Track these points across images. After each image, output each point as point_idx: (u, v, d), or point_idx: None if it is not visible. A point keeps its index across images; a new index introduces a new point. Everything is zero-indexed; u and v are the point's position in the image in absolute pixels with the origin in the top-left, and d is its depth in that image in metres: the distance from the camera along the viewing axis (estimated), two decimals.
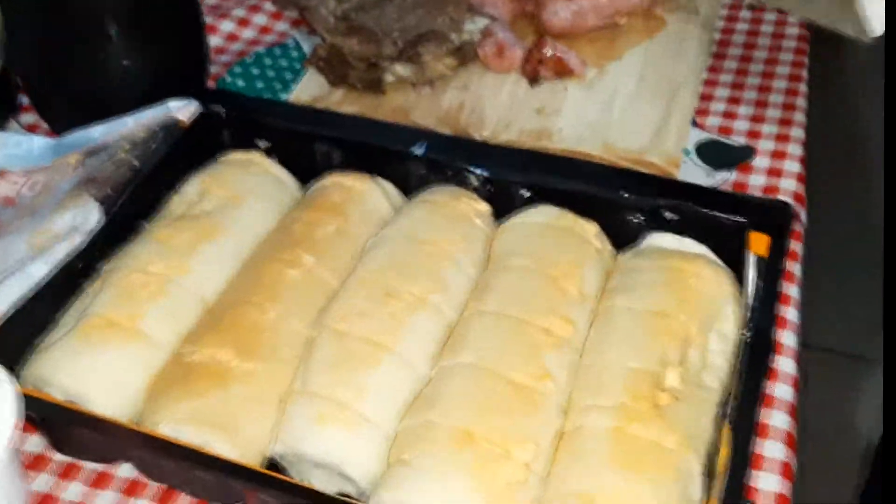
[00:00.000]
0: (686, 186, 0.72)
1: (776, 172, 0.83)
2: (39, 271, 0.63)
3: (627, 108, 0.86)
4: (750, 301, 0.61)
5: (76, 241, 0.66)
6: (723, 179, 0.82)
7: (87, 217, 0.68)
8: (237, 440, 0.56)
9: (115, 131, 0.81)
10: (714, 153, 0.85)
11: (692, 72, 0.90)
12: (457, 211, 0.70)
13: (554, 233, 0.67)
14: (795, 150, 0.85)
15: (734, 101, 0.90)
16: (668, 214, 0.68)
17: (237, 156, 0.76)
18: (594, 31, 0.92)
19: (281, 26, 1.03)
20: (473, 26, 0.90)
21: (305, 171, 0.77)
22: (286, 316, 0.63)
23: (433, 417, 0.56)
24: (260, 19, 1.03)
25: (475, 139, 0.81)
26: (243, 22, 1.02)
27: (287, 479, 0.55)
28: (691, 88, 0.88)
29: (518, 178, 0.71)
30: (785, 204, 0.66)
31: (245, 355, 0.59)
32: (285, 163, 0.77)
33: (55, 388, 0.59)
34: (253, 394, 0.58)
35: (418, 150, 0.74)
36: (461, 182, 0.73)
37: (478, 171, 0.72)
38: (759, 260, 0.62)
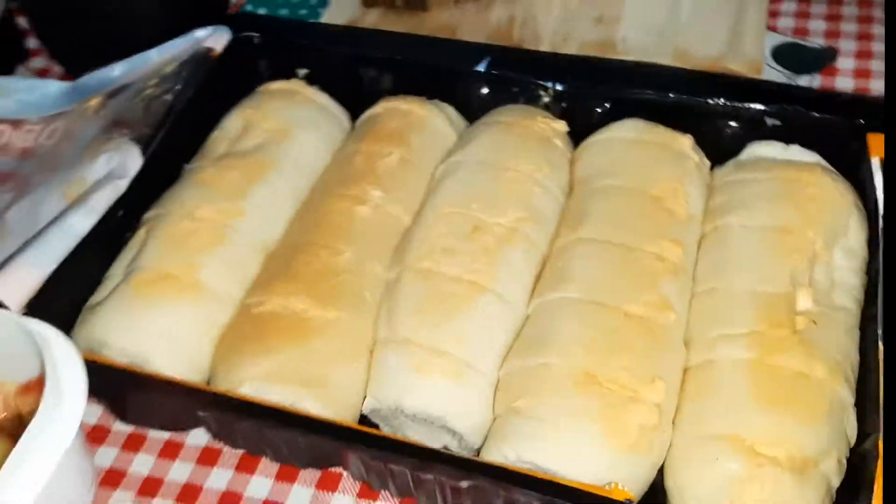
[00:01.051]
0: (789, 89, 0.65)
1: (864, 74, 0.76)
2: (82, 224, 0.56)
3: (694, 10, 0.78)
4: (881, 209, 0.54)
5: (118, 188, 0.59)
6: (806, 85, 0.75)
7: (125, 161, 0.60)
8: (328, 397, 0.50)
9: (137, 69, 0.73)
10: (793, 57, 0.78)
11: None
12: (533, 131, 0.62)
13: (647, 148, 0.60)
14: (881, 48, 0.78)
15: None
16: (769, 121, 0.61)
17: (278, 85, 0.68)
18: None
19: None
20: None
21: (351, 98, 0.69)
22: (362, 257, 0.56)
23: (546, 360, 0.49)
24: None
25: (538, 50, 0.73)
26: None
27: (399, 437, 0.49)
28: None
29: (595, 90, 0.64)
30: None
31: (323, 303, 0.53)
32: (329, 91, 0.69)
33: (112, 350, 0.52)
34: (338, 345, 0.52)
35: (481, 67, 0.66)
36: (530, 99, 0.66)
37: (550, 86, 0.65)
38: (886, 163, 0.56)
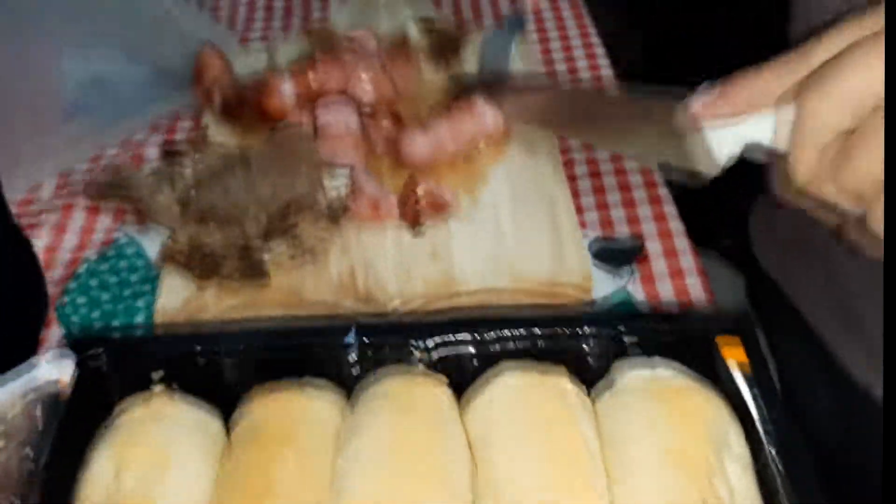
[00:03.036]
0: (641, 313, 0.71)
1: (672, 254, 0.84)
2: None
3: (516, 231, 0.84)
4: (755, 414, 0.60)
5: None
6: (628, 277, 0.83)
7: None
8: None
9: None
10: (607, 251, 0.85)
11: (557, 179, 0.90)
12: (421, 400, 0.63)
13: (531, 394, 0.63)
14: (676, 225, 0.87)
15: (599, 193, 0.92)
16: (627, 339, 0.66)
17: (138, 406, 0.64)
18: (452, 158, 0.90)
19: (103, 223, 0.91)
20: (334, 182, 0.84)
21: (216, 392, 0.67)
22: None
23: None
24: (77, 220, 0.90)
25: (402, 314, 0.76)
26: (59, 228, 0.89)
27: None
28: (564, 196, 0.88)
29: (461, 340, 0.67)
30: (742, 312, 0.66)
31: None
32: (190, 390, 0.67)
33: None
34: None
35: (350, 339, 0.67)
36: (401, 358, 0.68)
37: (419, 344, 0.67)
38: (742, 366, 0.62)
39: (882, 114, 0.48)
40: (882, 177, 0.49)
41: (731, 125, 0.57)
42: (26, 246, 0.76)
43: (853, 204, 0.53)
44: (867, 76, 0.49)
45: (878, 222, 0.51)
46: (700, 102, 0.58)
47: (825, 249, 0.89)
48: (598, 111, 0.73)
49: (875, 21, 0.51)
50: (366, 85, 0.90)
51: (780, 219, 0.99)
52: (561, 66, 1.10)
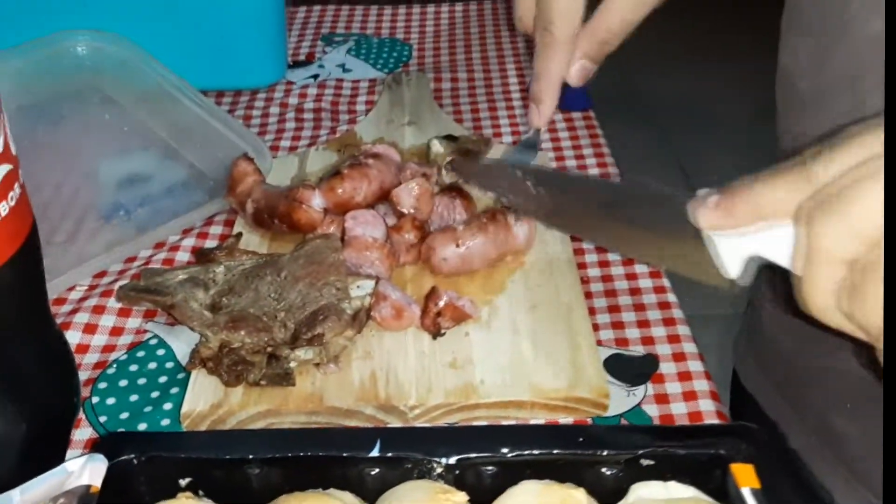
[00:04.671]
0: (656, 430, 0.73)
1: (686, 376, 0.87)
2: None
3: (534, 342, 0.86)
4: None
5: None
6: (643, 395, 0.85)
7: None
8: None
9: None
10: (621, 368, 0.88)
11: (573, 289, 0.93)
12: None
13: None
14: (690, 347, 0.90)
15: (614, 309, 0.94)
16: (644, 462, 0.68)
17: None
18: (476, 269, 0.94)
19: (133, 323, 0.94)
20: (360, 291, 0.88)
21: (241, 499, 0.68)
22: None
23: None
24: (107, 320, 0.93)
25: (427, 427, 0.78)
26: (90, 328, 0.92)
27: None
28: (580, 306, 0.91)
29: (485, 456, 0.69)
30: (748, 428, 0.68)
31: None
32: (215, 495, 0.69)
33: None
34: None
35: (374, 452, 0.69)
36: (422, 473, 0.69)
37: (441, 460, 0.69)
38: (756, 493, 0.64)
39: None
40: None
41: (736, 237, 0.56)
42: (66, 349, 0.78)
43: (864, 336, 0.52)
44: (875, 205, 0.47)
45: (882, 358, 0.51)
46: (699, 213, 0.57)
47: (808, 377, 0.91)
48: (607, 214, 0.73)
49: (877, 139, 0.49)
50: (412, 194, 0.94)
51: (766, 341, 1.01)
52: None
